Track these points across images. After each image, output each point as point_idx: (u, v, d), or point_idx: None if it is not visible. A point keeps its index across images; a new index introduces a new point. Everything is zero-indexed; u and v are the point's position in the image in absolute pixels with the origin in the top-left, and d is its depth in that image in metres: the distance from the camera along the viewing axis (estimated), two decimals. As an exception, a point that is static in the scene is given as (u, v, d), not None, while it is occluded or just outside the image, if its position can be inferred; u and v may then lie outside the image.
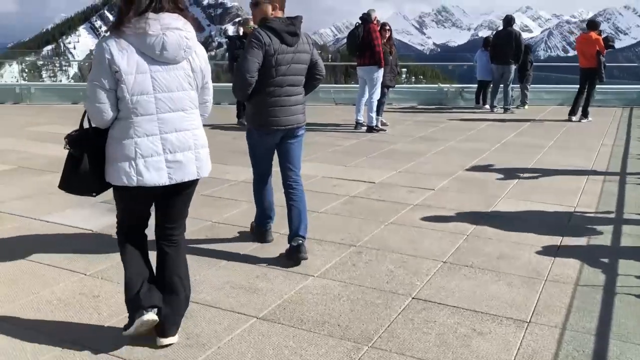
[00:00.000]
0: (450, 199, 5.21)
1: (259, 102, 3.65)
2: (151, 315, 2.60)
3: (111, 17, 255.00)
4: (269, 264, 3.71)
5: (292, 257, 3.70)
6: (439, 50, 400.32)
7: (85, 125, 2.59)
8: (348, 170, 6.44)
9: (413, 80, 41.37)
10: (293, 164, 3.84)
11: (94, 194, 2.66)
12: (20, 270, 3.61)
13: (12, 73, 19.09)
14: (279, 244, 3.97)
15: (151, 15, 2.42)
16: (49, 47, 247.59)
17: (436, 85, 14.11)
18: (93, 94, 2.42)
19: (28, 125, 9.73)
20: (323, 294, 3.28)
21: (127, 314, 2.70)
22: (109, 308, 3.09)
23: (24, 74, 25.53)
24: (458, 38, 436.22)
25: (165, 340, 2.67)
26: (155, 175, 2.50)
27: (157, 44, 2.42)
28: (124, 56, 2.39)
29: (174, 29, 2.45)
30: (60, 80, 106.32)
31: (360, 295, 3.25)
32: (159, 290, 2.67)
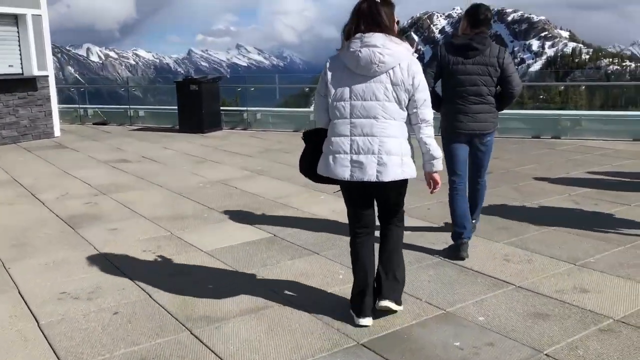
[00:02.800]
0: None
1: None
2: (368, 321, 2.99)
3: (416, 38, 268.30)
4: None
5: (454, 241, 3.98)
6: None
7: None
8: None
9: None
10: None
11: (307, 177, 3.17)
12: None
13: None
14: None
15: (357, 35, 2.84)
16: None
17: None
18: (315, 99, 3.03)
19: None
20: None
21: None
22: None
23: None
24: None
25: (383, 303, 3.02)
26: (340, 170, 2.87)
27: (354, 59, 2.82)
28: (333, 70, 2.91)
29: (371, 46, 2.78)
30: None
31: None
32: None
